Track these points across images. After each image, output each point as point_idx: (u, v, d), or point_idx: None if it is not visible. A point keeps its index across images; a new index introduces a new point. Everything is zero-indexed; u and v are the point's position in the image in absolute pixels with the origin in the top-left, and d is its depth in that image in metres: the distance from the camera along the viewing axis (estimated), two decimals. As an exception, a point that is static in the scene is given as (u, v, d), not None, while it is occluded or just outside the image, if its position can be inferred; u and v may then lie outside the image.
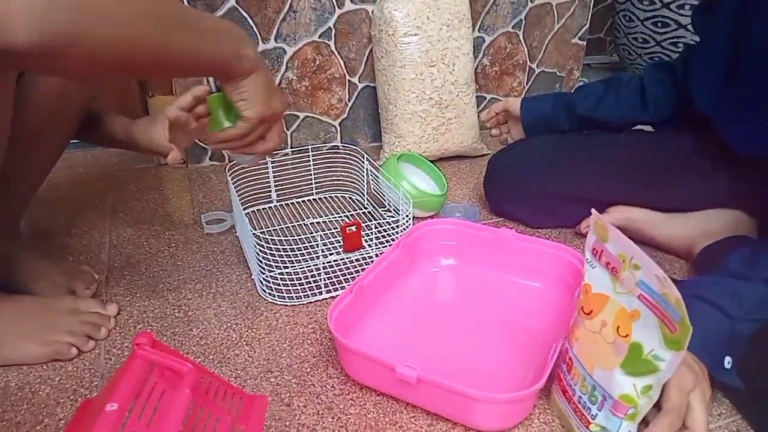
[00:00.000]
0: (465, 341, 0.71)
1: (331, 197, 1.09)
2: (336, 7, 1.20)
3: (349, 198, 1.09)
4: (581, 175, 0.94)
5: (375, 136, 1.37)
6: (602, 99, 0.97)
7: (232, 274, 0.85)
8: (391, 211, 0.98)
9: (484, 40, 1.37)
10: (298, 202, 1.07)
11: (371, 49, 1.26)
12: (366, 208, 1.05)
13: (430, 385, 0.58)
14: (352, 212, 1.04)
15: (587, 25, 1.48)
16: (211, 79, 0.72)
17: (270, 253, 0.80)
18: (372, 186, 1.02)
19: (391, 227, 0.90)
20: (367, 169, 0.98)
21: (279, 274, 0.83)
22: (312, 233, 0.95)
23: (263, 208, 1.04)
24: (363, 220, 1.00)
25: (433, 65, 1.18)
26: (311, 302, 0.79)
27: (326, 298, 0.79)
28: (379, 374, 0.61)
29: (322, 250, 0.85)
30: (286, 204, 1.06)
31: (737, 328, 0.61)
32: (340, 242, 0.87)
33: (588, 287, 0.54)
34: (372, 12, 1.20)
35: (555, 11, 1.41)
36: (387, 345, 0.70)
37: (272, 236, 0.93)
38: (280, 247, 0.86)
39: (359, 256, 0.87)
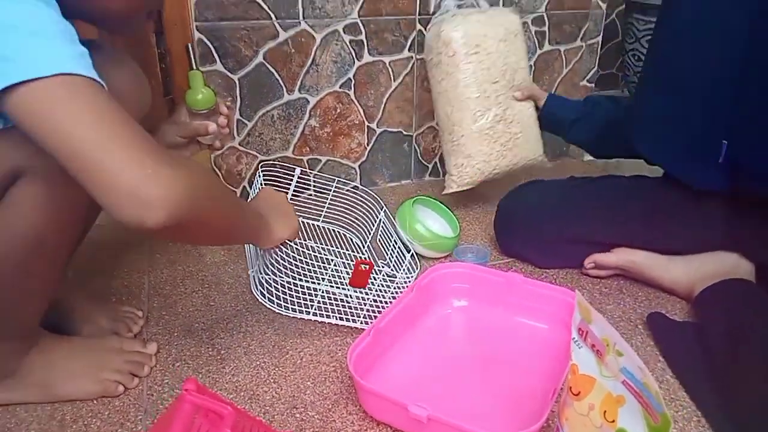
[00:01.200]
0: (475, 380, 0.77)
1: (333, 230, 1.14)
2: (355, 60, 1.29)
3: (349, 238, 1.13)
4: (589, 220, 1.00)
5: (392, 176, 1.45)
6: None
7: (260, 314, 0.92)
8: (389, 266, 1.01)
9: (496, 86, 1.45)
10: (301, 222, 1.09)
11: (389, 96, 1.34)
12: (363, 254, 1.08)
13: (440, 424, 0.64)
14: (346, 251, 1.08)
15: (595, 68, 1.54)
16: (191, 54, 0.85)
17: (275, 260, 0.84)
18: (378, 237, 1.04)
19: (386, 285, 0.92)
20: (381, 219, 1.02)
21: (280, 282, 0.84)
22: (321, 255, 0.96)
23: None
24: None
25: (496, 81, 1.17)
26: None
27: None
28: (394, 412, 0.68)
29: (331, 278, 0.89)
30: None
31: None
32: (346, 274, 0.92)
33: (575, 367, 0.57)
34: (426, 37, 1.22)
35: (563, 56, 1.48)
36: (403, 384, 0.76)
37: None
38: (286, 257, 0.87)
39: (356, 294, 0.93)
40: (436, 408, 0.64)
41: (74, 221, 0.69)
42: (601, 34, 1.52)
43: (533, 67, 1.46)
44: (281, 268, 0.83)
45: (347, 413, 0.73)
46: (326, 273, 0.87)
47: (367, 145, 1.39)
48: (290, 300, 0.84)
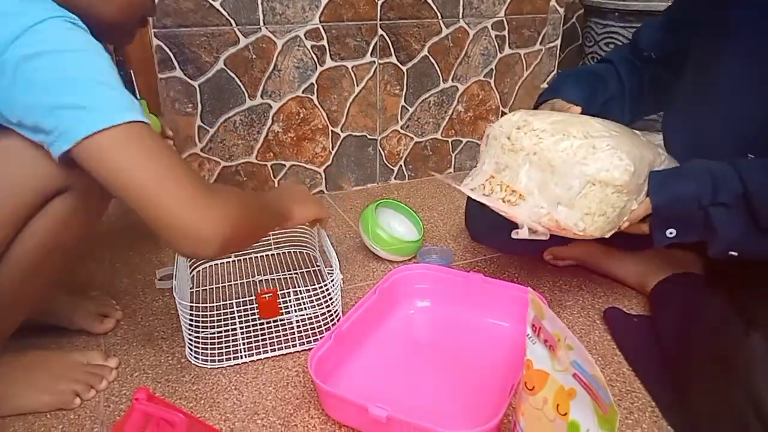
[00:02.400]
0: (437, 379, 0.77)
1: (288, 253, 1.12)
2: (318, 65, 1.29)
3: (305, 254, 1.12)
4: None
5: (358, 180, 1.45)
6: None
7: (222, 321, 0.92)
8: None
9: (458, 89, 1.46)
10: (256, 257, 1.09)
11: (352, 100, 1.35)
12: (318, 266, 1.07)
13: (400, 424, 0.64)
14: (302, 270, 1.07)
15: (554, 71, 1.58)
16: (134, 82, 0.88)
17: (193, 315, 0.84)
18: (324, 245, 0.97)
19: (322, 292, 0.86)
20: (317, 228, 0.98)
21: (199, 335, 0.84)
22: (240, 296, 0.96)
23: (221, 263, 1.08)
24: (308, 280, 1.03)
25: None
26: (233, 366, 0.82)
27: (247, 362, 0.82)
28: (354, 414, 0.68)
29: (240, 316, 0.88)
30: (244, 259, 1.09)
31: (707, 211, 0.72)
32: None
33: (530, 363, 0.58)
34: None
35: (523, 60, 1.51)
36: (366, 386, 0.76)
37: (204, 297, 0.97)
38: (203, 306, 0.87)
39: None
40: (398, 408, 0.64)
41: (85, 236, 0.72)
42: (560, 38, 1.55)
43: (494, 71, 1.48)
44: (200, 320, 0.85)
45: (309, 417, 0.73)
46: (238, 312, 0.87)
47: (332, 149, 1.39)
48: (222, 350, 0.83)
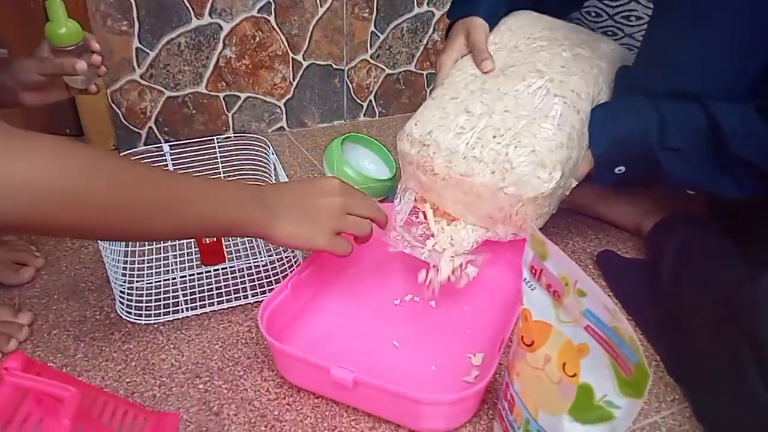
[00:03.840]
0: (411, 336, 0.67)
1: None
2: (275, -21, 1.12)
3: None
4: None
5: (323, 116, 1.31)
6: None
7: (162, 270, 0.78)
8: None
9: (434, 15, 1.31)
10: None
11: (316, 23, 1.19)
12: None
13: (369, 388, 0.53)
14: None
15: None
16: None
17: (125, 262, 0.72)
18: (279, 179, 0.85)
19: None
20: (273, 162, 0.86)
21: (133, 286, 0.73)
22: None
23: None
24: None
25: None
26: (171, 321, 0.69)
27: (189, 317, 0.70)
28: (315, 377, 0.56)
29: (179, 263, 0.74)
30: None
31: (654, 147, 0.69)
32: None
33: (527, 313, 0.47)
34: None
35: None
36: (328, 344, 0.65)
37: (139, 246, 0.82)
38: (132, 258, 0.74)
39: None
40: (366, 370, 0.53)
41: None
42: None
43: None
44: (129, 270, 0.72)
45: (261, 380, 0.61)
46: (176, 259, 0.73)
47: (293, 80, 1.24)
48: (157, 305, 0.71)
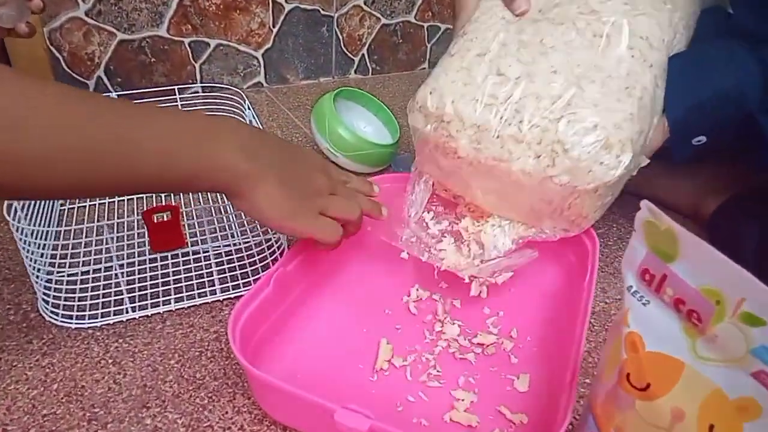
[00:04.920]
0: (434, 358, 0.50)
1: None
2: None
3: None
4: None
5: (307, 71, 1.12)
6: None
7: (103, 255, 0.60)
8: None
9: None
10: None
11: (301, -41, 0.99)
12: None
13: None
14: None
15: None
16: None
17: (51, 251, 0.55)
18: None
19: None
20: (250, 119, 0.70)
21: (64, 276, 0.56)
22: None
23: None
24: None
25: None
26: (112, 325, 0.52)
27: (136, 319, 0.53)
28: (310, 419, 0.40)
29: (121, 248, 0.56)
30: None
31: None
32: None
33: (636, 339, 0.31)
34: None
35: None
36: (324, 364, 0.48)
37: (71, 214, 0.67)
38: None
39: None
40: (382, 409, 0.37)
41: None
42: None
43: None
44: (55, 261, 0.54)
45: (233, 411, 0.45)
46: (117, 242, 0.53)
47: (273, 26, 1.04)
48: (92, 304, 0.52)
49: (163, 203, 0.67)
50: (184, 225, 0.57)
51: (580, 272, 0.54)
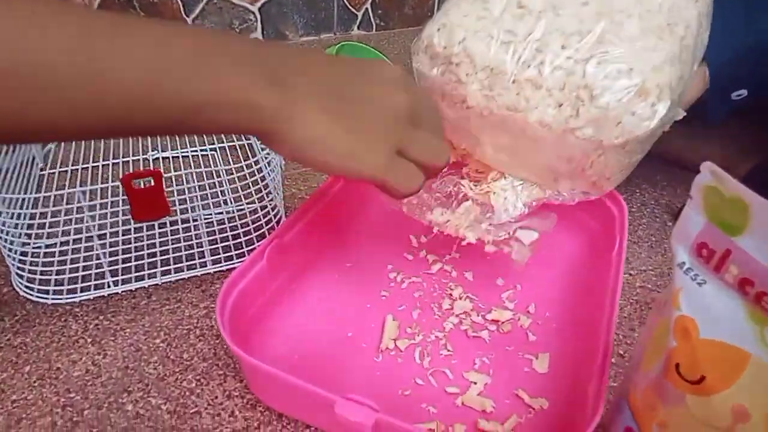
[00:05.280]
0: (454, 338, 0.46)
1: None
2: None
3: None
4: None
5: (307, 27, 1.05)
6: None
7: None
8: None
9: None
10: None
11: None
12: (247, 138, 0.69)
13: None
14: (219, 144, 0.69)
15: None
16: None
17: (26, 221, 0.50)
18: None
19: (249, 175, 0.49)
20: None
21: (36, 251, 0.50)
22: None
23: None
24: (227, 158, 0.67)
25: None
26: (92, 300, 0.48)
27: (118, 293, 0.49)
28: (309, 408, 0.36)
29: (102, 216, 0.48)
30: None
31: None
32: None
33: (688, 325, 0.27)
34: None
35: None
36: (320, 346, 0.44)
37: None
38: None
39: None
40: (387, 397, 0.33)
41: None
42: None
43: None
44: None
45: (224, 396, 0.41)
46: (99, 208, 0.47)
47: (270, -23, 0.97)
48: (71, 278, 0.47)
49: (142, 168, 0.62)
50: (172, 191, 0.52)
51: (605, 242, 0.49)
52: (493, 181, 0.50)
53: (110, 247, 0.49)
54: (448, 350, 0.44)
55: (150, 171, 0.44)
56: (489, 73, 0.44)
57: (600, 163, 0.45)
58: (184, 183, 0.58)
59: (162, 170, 0.45)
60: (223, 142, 0.69)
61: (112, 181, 0.50)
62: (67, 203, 0.54)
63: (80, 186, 0.55)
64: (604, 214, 0.52)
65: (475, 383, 0.41)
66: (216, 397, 0.40)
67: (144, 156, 0.66)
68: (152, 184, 0.45)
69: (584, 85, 0.42)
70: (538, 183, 0.48)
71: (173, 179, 0.59)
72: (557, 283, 0.50)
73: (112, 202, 0.46)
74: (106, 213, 0.47)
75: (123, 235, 0.52)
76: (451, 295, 0.48)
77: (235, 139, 0.70)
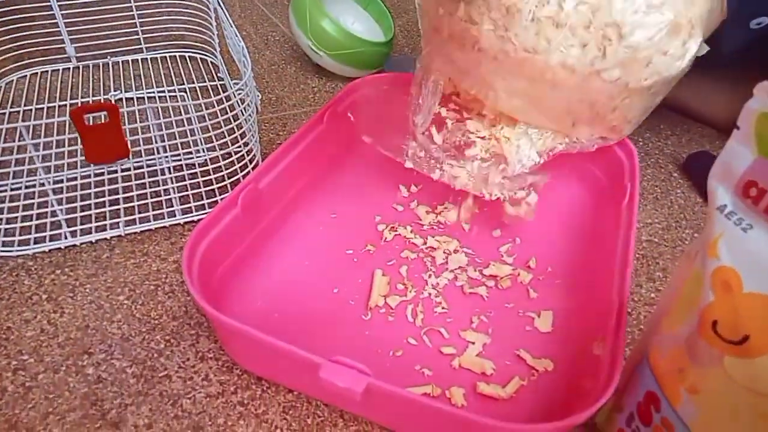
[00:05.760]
0: (448, 293, 0.42)
1: (170, 57, 0.68)
2: None
3: (200, 60, 0.69)
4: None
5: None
6: None
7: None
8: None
9: None
10: (114, 63, 0.66)
11: None
12: (220, 79, 0.65)
13: (393, 400, 0.29)
14: (190, 83, 0.64)
15: None
16: None
17: None
18: (227, 40, 0.59)
19: (220, 113, 0.48)
20: (215, 8, 0.58)
21: None
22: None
23: (53, 70, 0.64)
24: (198, 96, 0.61)
25: None
26: (47, 253, 0.43)
27: (76, 246, 0.44)
28: (288, 370, 0.32)
29: (52, 157, 0.44)
30: (94, 64, 0.65)
31: None
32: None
33: (730, 277, 0.23)
34: None
35: None
36: (300, 302, 0.40)
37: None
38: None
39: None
40: (378, 362, 0.29)
41: None
42: None
43: None
44: None
45: (196, 358, 0.37)
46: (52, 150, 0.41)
47: None
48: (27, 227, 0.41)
49: (99, 102, 0.56)
50: (135, 131, 0.47)
51: (613, 191, 0.46)
52: (507, 128, 0.45)
53: (66, 192, 0.44)
54: (443, 308, 0.40)
55: (103, 104, 0.38)
56: (504, 12, 0.39)
57: (624, 107, 0.41)
58: (149, 122, 0.53)
59: (118, 105, 0.39)
60: (193, 82, 0.63)
61: (63, 117, 0.44)
62: (18, 151, 0.48)
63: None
64: (610, 161, 0.48)
65: (473, 343, 0.38)
66: (188, 359, 0.36)
67: (105, 96, 0.59)
68: (107, 119, 0.39)
69: (612, 22, 0.37)
70: (553, 130, 0.44)
71: (137, 117, 0.53)
72: (559, 237, 0.46)
73: (63, 141, 0.40)
74: (57, 154, 0.41)
75: (81, 179, 0.46)
76: (445, 249, 0.45)
77: (207, 79, 0.64)
